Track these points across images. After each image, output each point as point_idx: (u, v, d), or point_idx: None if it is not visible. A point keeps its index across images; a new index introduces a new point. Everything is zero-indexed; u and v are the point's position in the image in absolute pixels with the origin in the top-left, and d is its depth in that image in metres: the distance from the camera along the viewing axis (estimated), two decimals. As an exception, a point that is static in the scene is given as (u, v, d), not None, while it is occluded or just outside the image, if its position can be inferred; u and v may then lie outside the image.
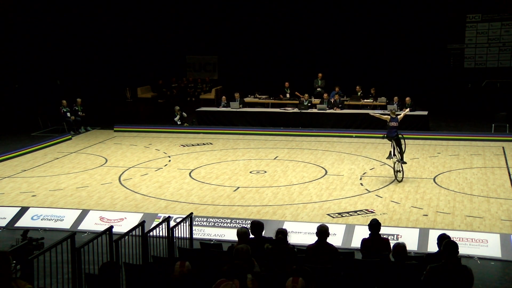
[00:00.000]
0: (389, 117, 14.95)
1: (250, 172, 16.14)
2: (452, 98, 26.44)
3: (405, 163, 15.00)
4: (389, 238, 10.01)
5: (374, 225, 8.83)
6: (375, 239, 8.79)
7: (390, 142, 15.06)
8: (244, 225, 11.07)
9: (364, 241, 8.90)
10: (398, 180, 14.76)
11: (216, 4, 29.35)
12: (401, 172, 14.81)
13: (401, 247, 7.61)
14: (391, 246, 8.03)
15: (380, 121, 21.28)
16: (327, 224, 8.59)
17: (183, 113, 22.27)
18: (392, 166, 15.18)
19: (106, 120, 23.49)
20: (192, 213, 10.80)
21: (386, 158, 15.58)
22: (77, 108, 22.25)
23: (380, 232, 8.91)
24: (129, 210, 12.93)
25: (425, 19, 27.33)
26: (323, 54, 27.93)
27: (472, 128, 21.09)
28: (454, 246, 6.37)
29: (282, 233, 8.10)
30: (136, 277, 7.45)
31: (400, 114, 15.69)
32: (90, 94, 27.31)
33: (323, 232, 8.24)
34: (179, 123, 22.11)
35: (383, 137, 15.60)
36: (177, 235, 9.85)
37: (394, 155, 14.84)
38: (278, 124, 22.11)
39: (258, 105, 24.19)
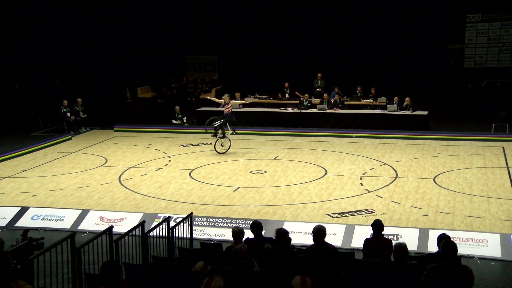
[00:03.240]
0: (223, 101, 18.14)
1: (250, 172, 16.13)
2: (452, 98, 26.44)
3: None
4: (389, 238, 9.99)
5: (378, 226, 8.80)
6: (378, 240, 8.77)
7: (219, 124, 17.74)
8: (244, 225, 11.08)
9: (367, 241, 8.88)
10: (219, 152, 17.79)
11: (216, 4, 29.35)
12: (227, 145, 17.96)
13: (402, 247, 7.59)
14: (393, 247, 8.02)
15: (379, 121, 21.41)
16: (325, 225, 8.53)
17: (184, 118, 22.22)
18: (217, 142, 17.98)
19: (106, 120, 23.49)
20: (192, 213, 10.80)
21: (212, 136, 18.18)
22: (77, 109, 22.26)
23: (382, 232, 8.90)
24: (129, 210, 12.93)
25: (425, 19, 27.34)
26: (323, 54, 27.94)
27: (472, 128, 21.09)
28: (451, 246, 6.37)
29: (286, 233, 8.08)
30: (136, 277, 7.45)
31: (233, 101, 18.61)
32: (90, 94, 27.32)
33: (321, 232, 8.15)
34: (176, 122, 22.10)
35: (220, 124, 17.80)
36: (177, 235, 9.85)
37: (225, 130, 17.81)
38: (278, 124, 22.11)
39: (258, 105, 24.19)
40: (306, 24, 28.61)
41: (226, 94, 18.46)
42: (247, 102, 20.68)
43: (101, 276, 5.93)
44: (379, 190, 14.21)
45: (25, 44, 28.20)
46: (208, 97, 19.82)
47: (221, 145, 18.01)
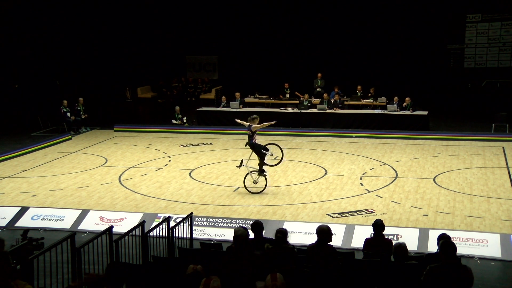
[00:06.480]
0: (247, 123, 13.90)
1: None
2: (452, 98, 26.43)
3: (263, 172, 13.96)
4: (389, 238, 10.00)
5: (379, 225, 8.80)
6: (379, 239, 8.77)
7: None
8: (244, 225, 11.07)
9: (367, 241, 8.88)
10: (251, 192, 13.90)
11: (216, 4, 29.34)
12: (257, 182, 14.01)
13: (402, 247, 7.60)
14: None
15: (379, 121, 21.40)
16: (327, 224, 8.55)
17: (184, 119, 22.23)
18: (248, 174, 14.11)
19: (106, 120, 23.49)
20: (192, 213, 10.81)
21: (236, 166, 14.63)
22: (79, 108, 22.28)
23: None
24: (129, 210, 12.93)
25: (425, 19, 27.32)
26: (323, 54, 27.93)
27: (472, 128, 21.09)
28: (450, 246, 6.36)
29: (281, 233, 8.09)
30: (136, 277, 7.45)
31: (257, 123, 13.94)
32: (90, 94, 27.30)
33: (323, 232, 8.15)
34: (175, 122, 22.10)
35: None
36: (177, 235, 9.86)
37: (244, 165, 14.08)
38: (278, 124, 22.05)
39: (258, 105, 24.18)
40: (306, 24, 28.59)
41: (255, 116, 14.05)
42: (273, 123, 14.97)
43: (105, 277, 5.93)
44: (379, 190, 14.21)
45: (25, 44, 28.18)
46: (237, 120, 15.41)
47: (254, 181, 14.13)
